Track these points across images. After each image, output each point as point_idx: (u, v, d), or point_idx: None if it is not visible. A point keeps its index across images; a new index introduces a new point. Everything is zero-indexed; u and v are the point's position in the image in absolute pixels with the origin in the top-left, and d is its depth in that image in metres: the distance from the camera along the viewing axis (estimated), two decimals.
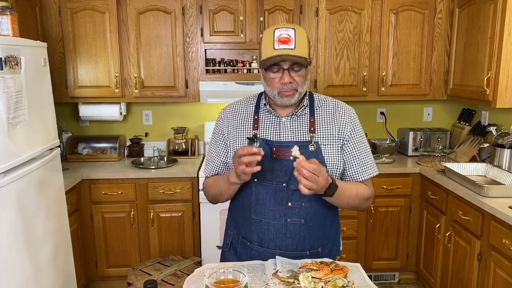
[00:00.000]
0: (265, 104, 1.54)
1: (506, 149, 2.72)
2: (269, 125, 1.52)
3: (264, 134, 1.51)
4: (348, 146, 1.52)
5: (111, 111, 3.31)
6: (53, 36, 3.05)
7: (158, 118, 3.58)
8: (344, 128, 1.51)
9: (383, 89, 3.27)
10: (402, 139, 3.56)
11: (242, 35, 3.10)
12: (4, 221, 1.80)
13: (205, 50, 3.19)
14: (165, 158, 3.40)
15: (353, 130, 1.52)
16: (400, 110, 3.69)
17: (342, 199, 1.44)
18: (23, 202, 1.93)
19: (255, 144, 1.50)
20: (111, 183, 3.01)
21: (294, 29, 1.39)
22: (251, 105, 1.59)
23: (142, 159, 3.43)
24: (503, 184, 2.61)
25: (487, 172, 2.83)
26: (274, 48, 1.38)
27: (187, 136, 3.57)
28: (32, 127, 2.06)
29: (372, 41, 3.20)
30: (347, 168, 1.53)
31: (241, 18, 3.08)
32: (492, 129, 2.86)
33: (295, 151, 1.31)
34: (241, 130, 1.54)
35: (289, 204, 1.47)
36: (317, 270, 1.31)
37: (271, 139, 1.50)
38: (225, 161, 1.58)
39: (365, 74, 3.23)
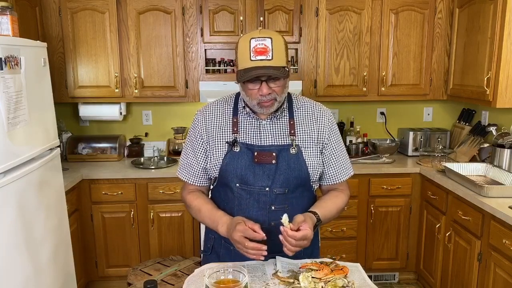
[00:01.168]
0: (244, 107, 1.51)
1: (506, 149, 2.72)
2: (249, 129, 1.50)
3: (245, 138, 1.48)
4: (327, 149, 1.53)
5: (111, 111, 3.31)
6: (53, 36, 3.05)
7: (158, 118, 3.58)
8: (323, 131, 1.52)
9: (383, 89, 3.27)
10: (402, 139, 3.56)
11: (242, 35, 3.09)
12: (4, 221, 1.80)
13: (205, 50, 3.19)
14: (165, 158, 3.40)
15: (331, 133, 1.54)
16: (400, 110, 3.69)
17: (326, 221, 1.50)
18: (23, 202, 1.93)
19: (235, 148, 1.47)
20: (111, 183, 3.01)
21: (270, 38, 1.34)
22: (228, 107, 1.54)
23: (142, 159, 3.43)
24: (503, 184, 2.61)
25: (487, 172, 2.83)
26: (250, 59, 1.34)
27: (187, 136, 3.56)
28: (32, 127, 2.06)
29: (372, 41, 3.20)
30: (326, 171, 1.56)
31: (241, 18, 3.08)
32: (492, 129, 2.86)
33: (285, 221, 1.32)
34: (220, 134, 1.51)
35: (273, 207, 1.46)
36: (317, 270, 1.31)
37: (252, 143, 1.48)
38: (204, 167, 1.54)
39: (365, 74, 3.23)
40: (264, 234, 1.30)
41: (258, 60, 1.33)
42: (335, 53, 3.20)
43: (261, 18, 3.07)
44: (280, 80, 1.39)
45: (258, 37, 1.34)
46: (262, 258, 1.31)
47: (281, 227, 1.32)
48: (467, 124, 3.42)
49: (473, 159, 3.09)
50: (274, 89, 1.39)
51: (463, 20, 3.05)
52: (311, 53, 3.20)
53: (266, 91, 1.37)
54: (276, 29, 3.07)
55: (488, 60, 2.70)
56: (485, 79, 2.71)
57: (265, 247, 1.30)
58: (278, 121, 1.50)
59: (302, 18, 3.14)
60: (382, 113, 3.67)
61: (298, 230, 1.32)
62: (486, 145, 3.02)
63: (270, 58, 1.33)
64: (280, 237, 1.32)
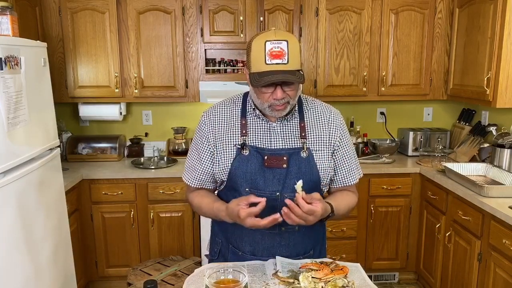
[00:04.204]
0: (254, 109, 1.47)
1: (506, 149, 2.72)
2: (258, 131, 1.46)
3: (254, 141, 1.45)
4: (339, 152, 1.51)
5: (111, 111, 3.31)
6: (53, 36, 3.05)
7: (158, 118, 3.58)
8: (334, 134, 1.49)
9: (383, 89, 3.27)
10: (402, 139, 3.56)
11: (242, 35, 3.09)
12: (4, 221, 1.80)
13: (205, 50, 3.19)
14: (165, 158, 3.40)
15: (342, 136, 1.51)
16: (400, 110, 3.69)
17: (335, 217, 1.46)
18: (23, 202, 1.93)
19: (244, 152, 1.43)
20: (111, 183, 3.01)
21: (286, 41, 1.30)
22: (236, 108, 1.51)
23: (142, 159, 3.43)
24: (503, 184, 2.61)
25: (487, 172, 2.83)
26: (266, 63, 1.30)
27: (187, 136, 3.57)
28: (32, 127, 2.06)
29: (372, 41, 3.20)
30: (337, 173, 1.53)
31: (241, 18, 3.08)
32: (492, 129, 2.86)
33: (298, 187, 1.30)
34: (228, 137, 1.47)
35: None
36: (317, 270, 1.31)
37: (262, 146, 1.44)
38: (209, 171, 1.50)
39: (365, 74, 3.23)
40: (264, 198, 1.29)
41: (274, 64, 1.30)
42: (335, 53, 3.20)
43: (261, 18, 3.07)
44: (294, 84, 1.36)
45: (274, 40, 1.30)
46: (281, 219, 1.29)
47: (293, 198, 1.28)
48: (467, 124, 3.42)
49: (473, 159, 3.09)
50: (288, 93, 1.36)
51: (463, 20, 3.05)
52: (311, 53, 3.20)
53: (281, 95, 1.34)
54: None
55: (488, 60, 2.70)
56: (485, 79, 2.71)
57: (278, 215, 1.28)
58: (288, 123, 1.47)
59: (302, 18, 3.14)
60: (382, 113, 3.67)
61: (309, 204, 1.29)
62: (486, 145, 3.02)
63: (286, 62, 1.30)
64: (287, 201, 1.27)
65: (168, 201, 3.05)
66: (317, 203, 1.29)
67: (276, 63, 1.30)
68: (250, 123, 1.47)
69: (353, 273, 1.38)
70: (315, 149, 1.46)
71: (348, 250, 3.17)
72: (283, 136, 1.46)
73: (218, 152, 1.48)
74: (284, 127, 1.46)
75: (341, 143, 1.50)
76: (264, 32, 1.34)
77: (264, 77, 1.30)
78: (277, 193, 1.42)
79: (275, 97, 1.35)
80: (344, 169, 1.53)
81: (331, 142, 1.48)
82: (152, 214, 3.04)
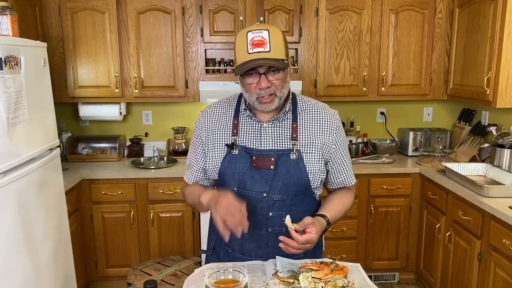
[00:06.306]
0: (245, 109, 1.46)
1: (506, 149, 2.72)
2: (249, 131, 1.46)
3: (244, 141, 1.45)
4: (336, 156, 1.49)
5: (111, 111, 3.31)
6: (53, 36, 3.05)
7: (158, 118, 3.58)
8: (329, 139, 1.46)
9: (383, 89, 3.27)
10: (402, 139, 3.56)
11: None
12: (4, 221, 1.80)
13: (205, 50, 3.19)
14: (165, 158, 3.40)
15: (337, 139, 1.48)
16: (400, 110, 3.69)
17: (332, 225, 1.48)
18: (23, 202, 1.93)
19: (234, 151, 1.44)
20: (111, 183, 3.01)
21: (268, 30, 1.31)
22: (231, 108, 1.51)
23: (142, 159, 3.43)
24: (503, 184, 2.60)
25: (487, 172, 2.83)
26: (248, 52, 1.30)
27: (187, 136, 3.57)
28: (32, 127, 2.06)
29: (372, 41, 3.20)
30: (336, 176, 1.53)
31: (241, 18, 3.08)
32: (492, 129, 2.86)
33: (288, 222, 1.30)
34: (220, 136, 1.48)
35: (270, 214, 1.43)
36: (317, 270, 1.31)
37: (251, 146, 1.44)
38: (203, 168, 1.54)
39: (365, 74, 3.23)
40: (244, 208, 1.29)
41: (255, 52, 1.30)
42: (335, 53, 3.20)
43: (261, 18, 3.07)
44: (279, 73, 1.35)
45: (255, 30, 1.32)
46: (239, 235, 1.28)
47: (281, 236, 1.30)
48: (467, 124, 3.42)
49: (473, 159, 3.09)
50: (273, 83, 1.34)
51: (463, 20, 3.05)
52: (311, 53, 3.20)
53: (265, 84, 1.33)
54: None
55: (488, 60, 2.70)
56: (485, 79, 2.71)
57: (246, 224, 1.27)
58: (280, 123, 1.45)
59: (302, 18, 3.14)
60: (382, 113, 3.67)
61: (303, 231, 1.30)
62: (486, 145, 3.02)
63: (268, 50, 1.30)
64: (281, 237, 1.28)
65: (168, 201, 3.05)
66: (310, 228, 1.30)
67: (258, 51, 1.30)
68: (241, 123, 1.48)
69: (353, 273, 1.38)
70: (305, 151, 1.44)
71: (348, 250, 3.18)
72: (274, 136, 1.44)
73: (210, 151, 1.50)
74: (275, 128, 1.45)
75: (336, 147, 1.48)
76: (249, 27, 1.37)
77: (245, 65, 1.30)
78: (264, 194, 1.42)
79: (260, 86, 1.34)
80: (342, 171, 1.53)
81: (324, 146, 1.46)
82: (152, 214, 3.04)
